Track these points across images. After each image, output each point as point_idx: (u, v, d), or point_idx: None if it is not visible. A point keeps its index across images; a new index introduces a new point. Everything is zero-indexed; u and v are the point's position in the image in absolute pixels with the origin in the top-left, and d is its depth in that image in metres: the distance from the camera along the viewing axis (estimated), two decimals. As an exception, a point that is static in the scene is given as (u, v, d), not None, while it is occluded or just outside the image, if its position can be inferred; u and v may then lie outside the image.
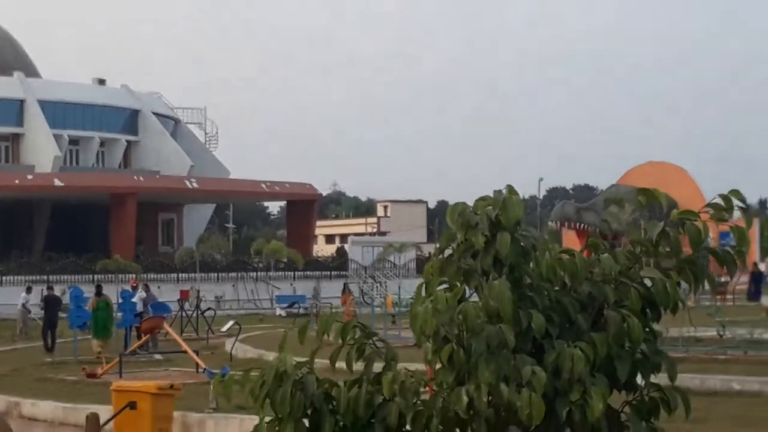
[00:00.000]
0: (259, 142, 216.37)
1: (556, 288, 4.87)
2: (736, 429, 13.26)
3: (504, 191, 4.85)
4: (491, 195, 4.88)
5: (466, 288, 4.87)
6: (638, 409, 4.93)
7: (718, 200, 4.73)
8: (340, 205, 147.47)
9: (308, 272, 64.80)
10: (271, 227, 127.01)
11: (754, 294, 39.38)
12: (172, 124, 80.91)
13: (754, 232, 62.46)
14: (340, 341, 4.98)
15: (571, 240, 60.70)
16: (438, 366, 4.80)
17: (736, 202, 4.74)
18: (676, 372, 4.95)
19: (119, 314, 30.49)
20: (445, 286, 4.93)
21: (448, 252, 4.92)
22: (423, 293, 4.90)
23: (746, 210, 4.77)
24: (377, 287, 57.05)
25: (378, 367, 5.03)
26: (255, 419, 5.10)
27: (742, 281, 51.37)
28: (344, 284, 52.22)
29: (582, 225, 58.33)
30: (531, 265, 4.82)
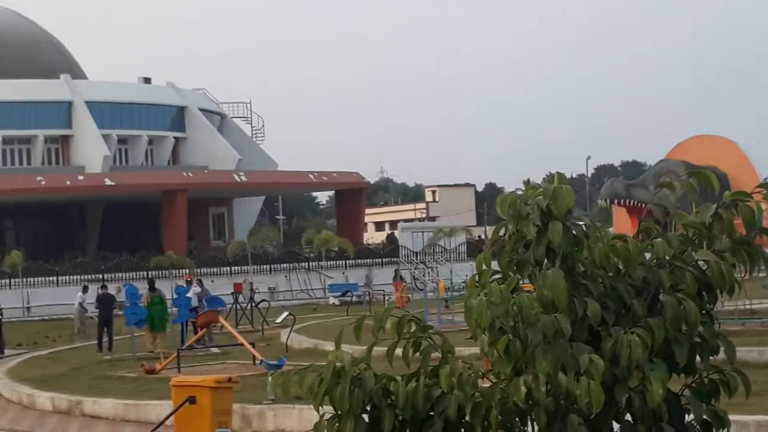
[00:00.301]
0: (306, 133, 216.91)
1: (610, 274, 4.85)
2: (796, 401, 13.11)
3: (554, 179, 4.84)
4: (539, 178, 4.86)
5: (519, 278, 4.87)
6: (698, 392, 4.91)
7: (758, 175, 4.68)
8: (388, 191, 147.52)
9: (359, 260, 64.88)
10: (321, 217, 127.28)
11: None
12: (219, 119, 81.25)
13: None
14: (396, 336, 4.99)
15: (621, 217, 60.48)
16: (495, 357, 4.80)
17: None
18: (735, 353, 4.92)
19: (175, 309, 30.73)
20: (498, 276, 4.94)
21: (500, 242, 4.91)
22: (476, 284, 4.90)
23: (801, 190, 4.71)
24: (429, 272, 56.96)
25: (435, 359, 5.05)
26: (313, 410, 5.13)
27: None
28: (395, 271, 52.19)
29: (632, 201, 58.12)
30: (584, 252, 4.81)
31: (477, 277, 4.99)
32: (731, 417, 10.65)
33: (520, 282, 4.94)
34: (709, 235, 4.77)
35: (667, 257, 4.79)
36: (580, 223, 4.79)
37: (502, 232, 4.91)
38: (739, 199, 4.69)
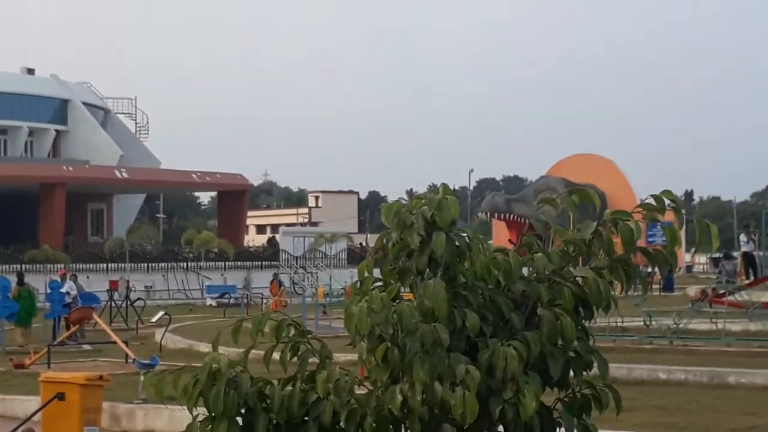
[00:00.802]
0: (190, 133, 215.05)
1: (491, 287, 4.90)
2: (662, 418, 13.45)
3: (440, 190, 4.87)
4: (423, 188, 4.88)
5: (401, 287, 4.88)
6: (570, 406, 4.98)
7: (650, 200, 4.78)
8: (271, 195, 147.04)
9: (239, 262, 64.51)
10: (202, 217, 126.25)
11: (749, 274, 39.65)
12: (102, 114, 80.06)
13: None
14: (275, 339, 4.97)
15: (501, 231, 61.27)
16: (373, 364, 4.80)
17: (667, 202, 4.80)
18: (608, 370, 5.00)
19: (48, 304, 30.14)
20: (379, 284, 4.94)
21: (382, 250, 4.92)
22: (357, 291, 4.90)
23: (678, 210, 4.82)
24: (308, 277, 56.91)
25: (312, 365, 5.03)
26: (184, 410, 5.07)
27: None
28: (274, 274, 51.96)
29: (512, 215, 58.94)
30: (466, 264, 4.84)
31: (358, 284, 4.99)
32: (600, 432, 10.82)
33: (402, 291, 4.95)
34: (589, 252, 4.85)
35: (547, 272, 4.85)
36: (463, 234, 4.83)
37: (385, 240, 4.92)
38: (619, 218, 4.77)
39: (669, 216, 5.00)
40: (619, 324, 22.93)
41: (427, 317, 4.65)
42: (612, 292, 4.78)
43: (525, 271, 5.04)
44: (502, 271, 4.81)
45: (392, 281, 4.89)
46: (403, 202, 4.92)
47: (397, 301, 4.83)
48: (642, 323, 22.88)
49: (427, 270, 4.78)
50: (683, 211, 4.91)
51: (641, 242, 4.98)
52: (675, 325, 22.03)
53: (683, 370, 17.36)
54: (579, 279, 4.81)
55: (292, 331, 5.05)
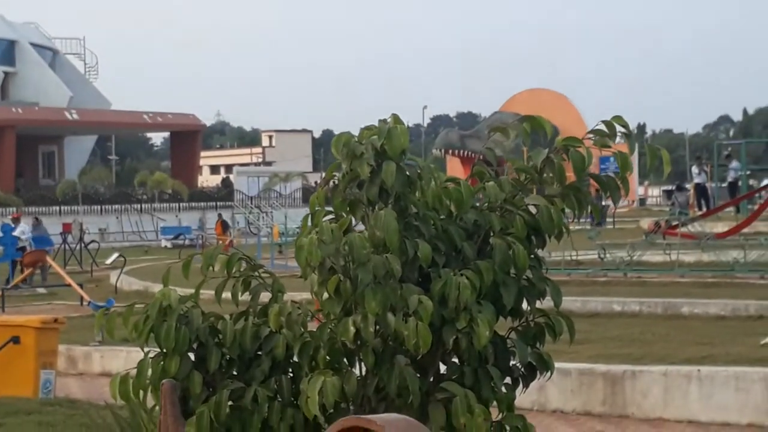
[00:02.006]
0: (141, 73, 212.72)
1: (442, 217, 4.85)
2: (616, 349, 13.55)
3: (389, 120, 4.81)
4: (376, 124, 4.82)
5: (353, 218, 4.83)
6: (524, 334, 4.97)
7: (601, 126, 4.74)
8: (224, 135, 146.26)
9: (193, 203, 64.26)
10: (155, 159, 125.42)
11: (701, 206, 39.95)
12: (51, 55, 78.91)
13: (634, 157, 63.56)
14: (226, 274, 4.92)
15: (455, 167, 61.27)
16: (325, 297, 4.77)
17: (619, 128, 4.75)
18: (561, 298, 4.99)
19: (0, 248, 29.93)
20: (331, 217, 4.89)
21: (333, 182, 4.86)
22: (309, 224, 4.85)
23: (630, 136, 4.79)
24: (263, 217, 56.78)
25: (265, 299, 4.99)
26: (141, 352, 5.03)
27: (621, 204, 52.43)
28: (218, 215, 51.51)
29: (466, 152, 58.97)
30: (417, 194, 4.79)
31: (310, 218, 4.94)
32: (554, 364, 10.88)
33: (354, 224, 4.91)
34: (540, 180, 4.81)
35: (499, 201, 4.82)
36: (414, 164, 4.77)
37: (335, 171, 4.86)
38: (570, 144, 4.73)
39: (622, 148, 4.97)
40: (574, 257, 23.04)
41: (378, 248, 4.61)
42: (564, 220, 4.75)
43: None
44: (454, 200, 4.76)
45: (343, 213, 4.84)
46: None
47: (349, 233, 4.78)
48: (596, 256, 22.99)
49: (378, 201, 4.73)
50: (635, 141, 4.88)
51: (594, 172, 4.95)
52: (629, 258, 22.17)
53: (637, 301, 17.47)
54: (531, 207, 4.78)
55: (243, 266, 5.00)
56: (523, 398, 11.89)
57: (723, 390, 11.10)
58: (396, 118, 4.82)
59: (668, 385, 11.41)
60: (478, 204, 4.90)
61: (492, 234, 4.79)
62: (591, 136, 4.79)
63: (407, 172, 4.70)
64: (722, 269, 21.06)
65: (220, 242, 39.78)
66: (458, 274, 4.61)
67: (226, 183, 75.68)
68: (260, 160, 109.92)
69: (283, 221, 43.53)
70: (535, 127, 4.89)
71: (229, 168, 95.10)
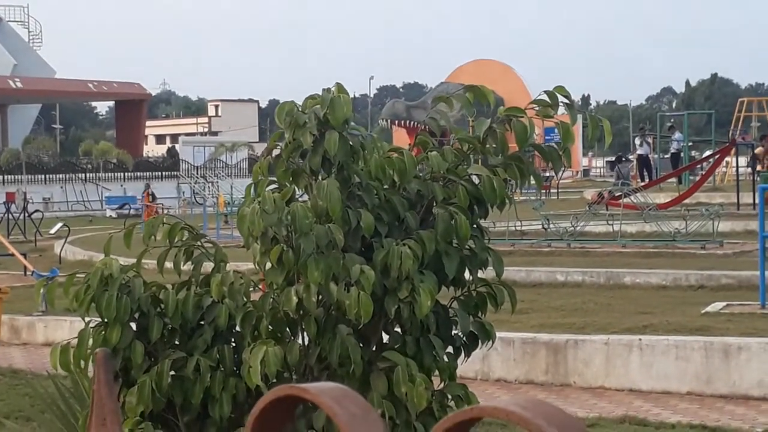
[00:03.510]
0: (86, 41, 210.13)
1: (386, 187, 4.85)
2: (559, 318, 13.66)
3: (333, 89, 4.79)
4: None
5: (296, 188, 4.82)
6: (466, 304, 4.99)
7: (544, 96, 4.75)
8: (170, 104, 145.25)
9: (139, 173, 63.84)
10: (100, 128, 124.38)
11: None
12: (-8, 22, 77.88)
13: (578, 128, 64.07)
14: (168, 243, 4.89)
15: (401, 137, 61.29)
16: (268, 267, 4.75)
17: (561, 98, 4.77)
18: (503, 267, 5.02)
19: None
20: (274, 186, 4.87)
21: (276, 152, 4.84)
22: (252, 194, 4.83)
23: (571, 106, 4.80)
24: (209, 187, 56.50)
25: (208, 268, 4.97)
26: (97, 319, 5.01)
27: (565, 175, 52.77)
28: (146, 184, 50.97)
29: (412, 122, 58.99)
30: (360, 164, 4.78)
31: (253, 187, 4.92)
32: (497, 334, 10.96)
33: (298, 194, 4.90)
34: (483, 150, 4.82)
35: (442, 171, 4.82)
36: (357, 133, 4.76)
37: (279, 140, 4.84)
38: (512, 114, 4.73)
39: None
40: (518, 228, 23.20)
41: (321, 218, 4.59)
42: (507, 190, 4.77)
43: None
44: (397, 170, 4.75)
45: (287, 183, 4.83)
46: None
47: (292, 202, 4.77)
48: (540, 227, 23.15)
49: (321, 170, 4.72)
50: (578, 111, 4.90)
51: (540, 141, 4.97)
52: (572, 228, 22.35)
53: (580, 271, 17.62)
54: (474, 177, 4.79)
55: (186, 235, 4.98)
56: (467, 367, 12.04)
57: (663, 359, 11.25)
58: (340, 87, 4.80)
59: (610, 354, 11.54)
60: (421, 174, 4.90)
61: (435, 204, 4.79)
62: (534, 106, 4.80)
63: (350, 142, 4.68)
64: (664, 239, 21.30)
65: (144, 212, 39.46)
66: (401, 244, 4.62)
67: (172, 153, 75.17)
68: (206, 129, 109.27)
69: (229, 191, 43.37)
70: (478, 97, 4.90)
71: (174, 138, 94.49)
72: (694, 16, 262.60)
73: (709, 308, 13.69)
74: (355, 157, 4.72)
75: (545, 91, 4.75)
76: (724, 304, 14.01)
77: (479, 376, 12.01)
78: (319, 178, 4.69)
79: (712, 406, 10.54)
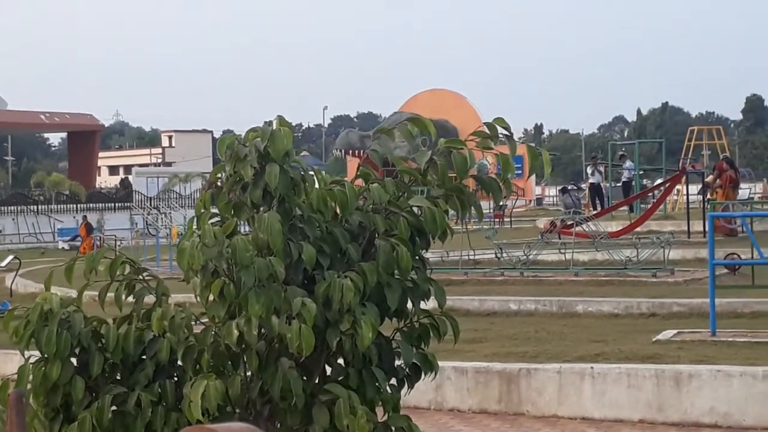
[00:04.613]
0: (38, 73, 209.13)
1: (328, 218, 4.85)
2: (512, 347, 13.66)
3: (275, 122, 4.78)
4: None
5: (239, 221, 4.80)
6: (408, 335, 4.99)
7: (484, 128, 4.77)
8: (123, 135, 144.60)
9: (92, 204, 63.42)
10: (53, 159, 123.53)
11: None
12: (-57, 54, 77.42)
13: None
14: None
15: (355, 167, 61.40)
16: (209, 300, 4.73)
17: (500, 130, 4.80)
18: (445, 298, 5.02)
19: None
20: (217, 219, 4.86)
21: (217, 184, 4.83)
22: (195, 227, 4.81)
23: (510, 137, 4.83)
24: (162, 218, 56.23)
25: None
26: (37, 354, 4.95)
27: (518, 204, 52.97)
28: (83, 216, 50.44)
29: (366, 152, 59.01)
30: (302, 196, 4.78)
31: (196, 220, 4.90)
32: (450, 363, 11.04)
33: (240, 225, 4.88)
34: (424, 182, 4.83)
35: (383, 202, 4.82)
36: (298, 166, 4.76)
37: (220, 174, 4.83)
38: (452, 146, 4.76)
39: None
40: (471, 257, 23.23)
41: (262, 251, 4.58)
42: (449, 222, 4.77)
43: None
44: (339, 202, 4.76)
45: (229, 215, 4.81)
46: (239, 134, 4.82)
47: (235, 235, 4.75)
48: (493, 256, 23.19)
49: (262, 203, 4.71)
50: (520, 141, 4.93)
51: (493, 172, 4.99)
52: (525, 257, 22.41)
53: (533, 300, 17.66)
54: (415, 209, 4.80)
55: (127, 269, 4.94)
56: (420, 397, 11.99)
57: (615, 387, 11.29)
58: (281, 120, 4.80)
59: (562, 382, 11.57)
60: (363, 205, 4.90)
61: (377, 235, 4.79)
62: (473, 138, 4.82)
63: (291, 175, 4.68)
64: (615, 268, 21.41)
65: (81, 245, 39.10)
66: (342, 276, 4.61)
67: (125, 184, 74.80)
68: (160, 160, 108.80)
69: (182, 222, 43.15)
70: (421, 129, 4.91)
71: (128, 169, 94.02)
72: (645, 45, 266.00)
73: (660, 336, 13.76)
74: (297, 190, 4.72)
75: (485, 123, 4.78)
76: (675, 331, 14.09)
77: (433, 405, 12.00)
78: (261, 210, 4.68)
79: (663, 433, 10.60)
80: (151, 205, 61.15)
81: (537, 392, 11.67)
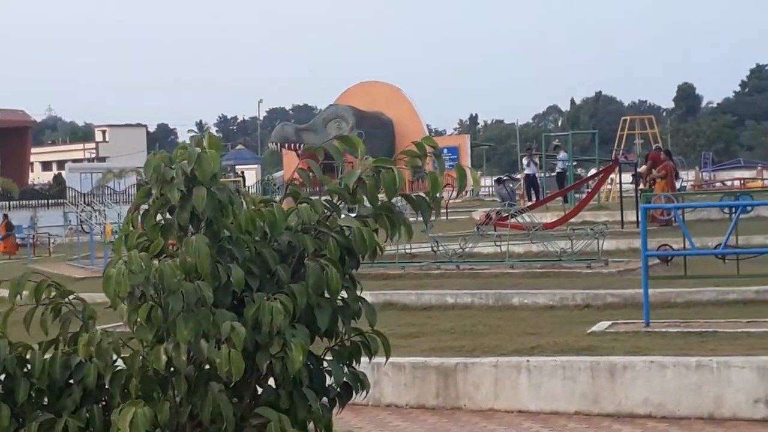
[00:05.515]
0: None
1: (257, 239, 4.82)
2: (449, 341, 13.68)
3: (203, 141, 4.74)
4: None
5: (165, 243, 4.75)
6: (340, 354, 4.98)
7: (412, 147, 4.77)
8: (56, 130, 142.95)
9: (24, 201, 62.62)
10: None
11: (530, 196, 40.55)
12: None
13: (467, 149, 64.63)
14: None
15: (291, 160, 61.18)
16: (138, 325, 4.68)
17: (428, 149, 4.80)
18: (376, 317, 5.02)
19: None
20: (145, 239, 4.81)
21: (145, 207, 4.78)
22: (123, 247, 4.76)
23: (438, 156, 4.84)
24: (96, 215, 55.65)
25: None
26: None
27: (454, 196, 53.20)
28: (4, 215, 49.72)
29: (302, 145, 58.91)
30: (230, 218, 4.75)
31: (124, 239, 4.85)
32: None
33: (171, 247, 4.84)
34: (353, 201, 4.83)
35: (312, 222, 4.81)
36: (225, 189, 4.72)
37: (146, 196, 4.77)
38: (381, 166, 4.75)
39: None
40: (408, 251, 23.25)
41: (190, 274, 4.55)
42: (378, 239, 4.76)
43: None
44: (268, 223, 4.74)
45: (156, 237, 4.76)
46: (166, 153, 4.77)
47: (164, 255, 4.72)
48: (430, 249, 23.22)
49: (190, 226, 4.67)
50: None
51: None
52: (461, 250, 22.47)
53: (470, 293, 17.70)
54: (345, 228, 4.79)
55: (53, 293, 4.87)
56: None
57: (551, 379, 11.37)
58: (210, 138, 4.77)
59: (499, 376, 11.62)
60: (293, 225, 4.88)
61: (306, 256, 4.78)
62: (403, 156, 4.82)
63: (218, 197, 4.65)
64: (551, 259, 21.54)
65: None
66: (272, 299, 4.59)
67: (58, 180, 73.95)
68: (94, 156, 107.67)
69: (116, 219, 42.75)
70: (349, 146, 4.90)
71: (61, 164, 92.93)
72: (578, 34, 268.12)
73: (595, 327, 13.87)
74: (224, 212, 4.68)
75: (413, 142, 4.78)
76: (610, 323, 14.21)
77: (370, 401, 12.00)
78: (189, 233, 4.64)
79: (599, 425, 10.68)
80: (84, 201, 60.51)
81: (474, 386, 11.72)
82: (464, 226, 30.07)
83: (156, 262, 4.51)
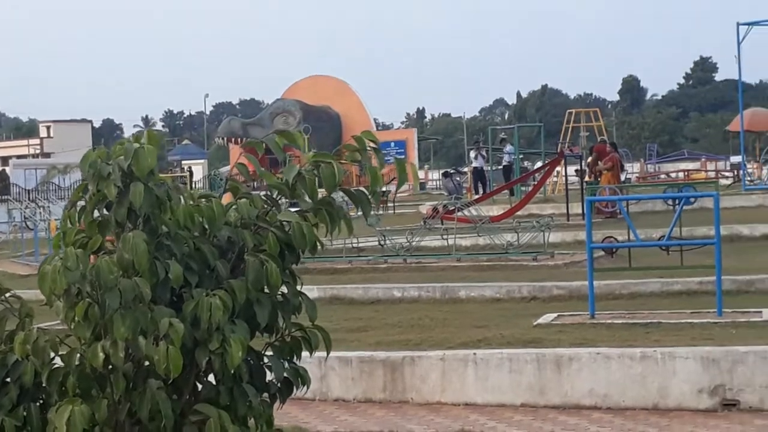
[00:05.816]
0: None
1: (196, 234, 4.80)
2: (396, 335, 13.70)
3: (142, 136, 4.71)
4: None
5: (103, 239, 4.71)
6: (280, 349, 4.97)
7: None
8: (0, 126, 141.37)
9: (-33, 198, 61.89)
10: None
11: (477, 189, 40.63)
12: None
13: (413, 141, 64.75)
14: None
15: (238, 155, 60.97)
16: (75, 322, 4.64)
17: (369, 143, 4.80)
18: (316, 312, 5.02)
19: None
20: (83, 236, 4.77)
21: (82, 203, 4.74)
22: (60, 245, 4.72)
23: (378, 150, 4.85)
24: (40, 212, 55.10)
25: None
26: None
27: (403, 189, 53.26)
28: None
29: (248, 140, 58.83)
30: (168, 213, 4.72)
31: (62, 236, 4.80)
32: (335, 353, 10.99)
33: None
34: (293, 195, 4.82)
35: (252, 217, 4.79)
36: (163, 184, 4.69)
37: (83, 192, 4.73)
38: (321, 160, 4.75)
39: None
40: (355, 245, 23.24)
41: (128, 271, 4.52)
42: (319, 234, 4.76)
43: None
44: (206, 218, 4.71)
45: (94, 234, 4.72)
46: (104, 149, 4.73)
47: (102, 252, 4.68)
48: (377, 243, 23.23)
49: (127, 222, 4.64)
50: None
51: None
52: (408, 243, 22.50)
53: (417, 287, 17.76)
54: (285, 223, 4.78)
55: (-11, 291, 4.82)
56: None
57: (497, 372, 11.43)
58: (150, 134, 4.73)
59: (446, 369, 11.66)
60: (233, 220, 4.86)
61: (246, 251, 4.76)
62: (343, 151, 4.81)
63: (156, 193, 4.61)
64: (497, 252, 21.64)
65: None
66: (211, 295, 4.57)
67: (2, 176, 73.11)
68: (38, 151, 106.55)
69: (60, 216, 42.34)
70: (290, 141, 4.89)
71: (5, 160, 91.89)
72: (525, 27, 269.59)
73: (541, 320, 13.97)
74: (162, 207, 4.65)
75: (353, 137, 4.78)
76: (556, 315, 14.31)
77: (318, 396, 12.00)
78: (126, 229, 4.61)
79: (545, 417, 10.75)
80: (29, 197, 59.89)
81: (421, 380, 11.75)
82: (411, 220, 30.09)
83: (93, 258, 4.47)
